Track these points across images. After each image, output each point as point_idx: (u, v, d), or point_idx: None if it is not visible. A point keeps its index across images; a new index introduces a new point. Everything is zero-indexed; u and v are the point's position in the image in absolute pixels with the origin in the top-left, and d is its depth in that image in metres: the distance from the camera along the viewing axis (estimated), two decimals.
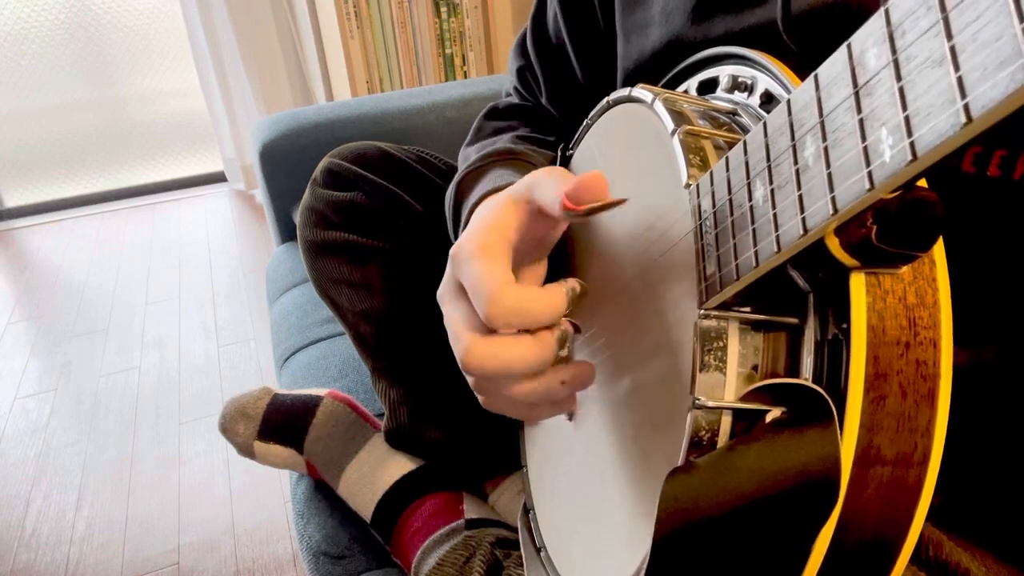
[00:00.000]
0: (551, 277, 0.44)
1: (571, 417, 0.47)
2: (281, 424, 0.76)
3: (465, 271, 0.38)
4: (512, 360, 0.36)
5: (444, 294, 0.42)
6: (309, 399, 0.78)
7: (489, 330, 0.37)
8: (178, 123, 2.76)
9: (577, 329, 0.42)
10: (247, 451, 0.77)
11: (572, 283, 0.38)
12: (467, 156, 0.62)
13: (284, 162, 1.23)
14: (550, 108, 0.66)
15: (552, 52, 0.63)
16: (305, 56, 2.36)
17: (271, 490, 1.39)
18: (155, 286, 2.13)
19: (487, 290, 0.36)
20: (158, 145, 2.76)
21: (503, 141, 0.59)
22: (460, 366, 0.38)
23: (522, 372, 0.37)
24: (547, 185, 0.38)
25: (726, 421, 0.29)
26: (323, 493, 0.77)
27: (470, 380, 0.39)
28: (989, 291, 0.38)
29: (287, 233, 1.30)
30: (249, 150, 2.52)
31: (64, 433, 1.57)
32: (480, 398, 0.42)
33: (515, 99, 0.71)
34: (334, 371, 0.93)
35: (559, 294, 0.37)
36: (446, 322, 0.41)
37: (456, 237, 0.52)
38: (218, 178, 2.79)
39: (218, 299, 2.04)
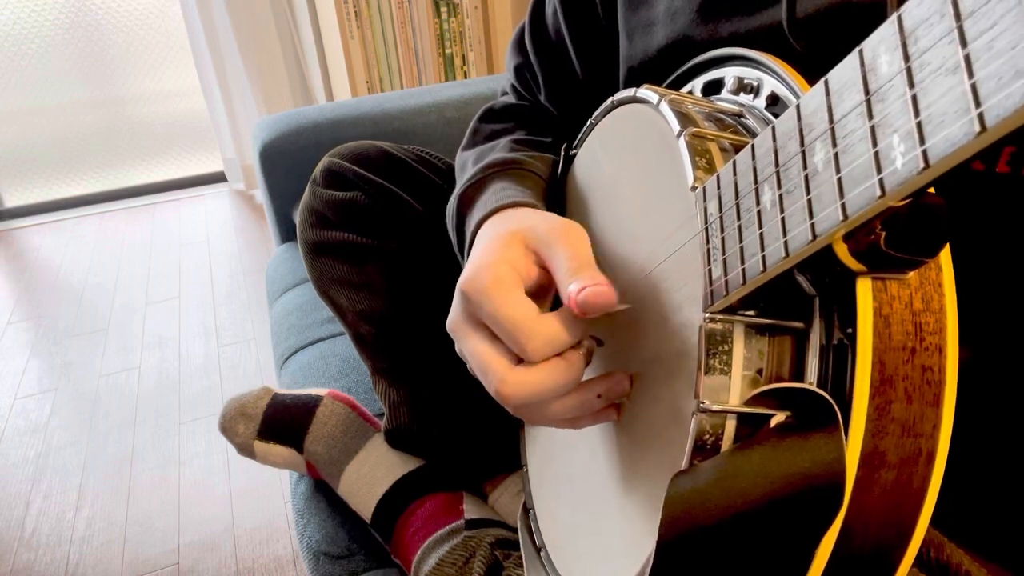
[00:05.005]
0: None
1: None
2: (281, 424, 0.76)
3: (485, 309, 0.38)
4: (545, 385, 0.37)
5: (456, 328, 0.41)
6: (309, 399, 0.78)
7: (517, 359, 0.38)
8: (178, 123, 2.75)
9: (599, 342, 0.42)
10: (247, 451, 0.77)
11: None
12: (464, 162, 0.61)
13: (284, 162, 1.23)
14: (548, 106, 0.66)
15: (551, 49, 0.63)
16: (305, 56, 2.36)
17: (271, 490, 1.38)
18: (155, 286, 2.13)
19: (522, 327, 0.36)
20: (158, 145, 2.75)
21: (500, 148, 0.59)
22: (495, 398, 0.38)
23: (556, 394, 0.38)
24: (559, 257, 0.38)
25: (730, 425, 0.29)
26: (323, 493, 0.77)
27: (508, 408, 0.39)
28: (995, 290, 0.38)
29: (287, 233, 1.30)
30: (249, 150, 2.52)
31: (64, 433, 1.57)
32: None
33: (511, 98, 0.70)
34: (334, 371, 0.93)
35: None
36: (466, 354, 0.41)
37: (461, 255, 0.51)
38: (218, 178, 2.78)
39: (218, 299, 2.04)
